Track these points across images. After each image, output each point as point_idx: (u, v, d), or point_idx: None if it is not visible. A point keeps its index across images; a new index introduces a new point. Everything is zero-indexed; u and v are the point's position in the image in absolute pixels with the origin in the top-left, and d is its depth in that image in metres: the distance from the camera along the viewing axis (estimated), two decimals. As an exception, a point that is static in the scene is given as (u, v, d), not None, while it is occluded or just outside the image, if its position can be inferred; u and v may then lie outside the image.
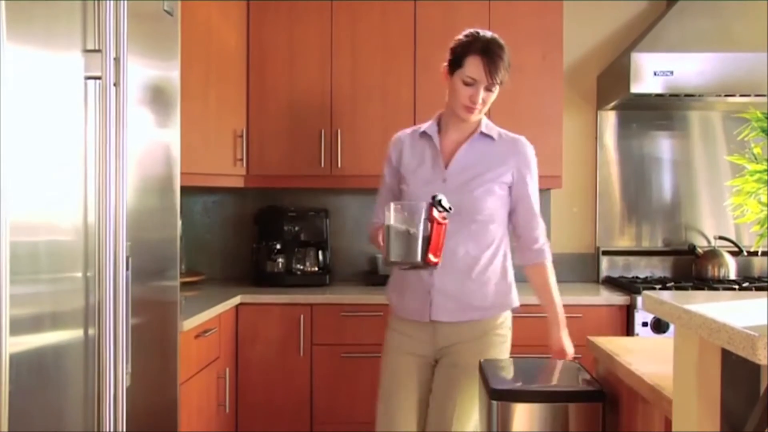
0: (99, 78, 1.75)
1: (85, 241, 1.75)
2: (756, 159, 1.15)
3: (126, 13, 1.80)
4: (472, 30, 2.41)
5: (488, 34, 2.40)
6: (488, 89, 2.36)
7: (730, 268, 3.80)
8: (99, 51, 1.75)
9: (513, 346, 2.55)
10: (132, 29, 1.87)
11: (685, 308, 1.15)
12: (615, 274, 3.97)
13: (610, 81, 3.83)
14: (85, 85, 1.76)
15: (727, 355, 1.14)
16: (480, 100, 2.35)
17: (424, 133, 2.51)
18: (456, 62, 2.36)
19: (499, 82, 2.36)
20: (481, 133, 2.46)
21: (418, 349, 2.47)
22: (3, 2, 1.43)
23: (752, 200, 1.14)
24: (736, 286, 3.52)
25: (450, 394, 2.39)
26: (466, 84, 2.34)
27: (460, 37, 2.40)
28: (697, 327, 1.08)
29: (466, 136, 2.46)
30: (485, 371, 2.18)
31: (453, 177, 2.42)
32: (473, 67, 2.33)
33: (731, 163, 3.92)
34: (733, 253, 3.84)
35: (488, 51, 2.33)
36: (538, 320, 2.61)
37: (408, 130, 2.59)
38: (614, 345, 2.09)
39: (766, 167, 1.12)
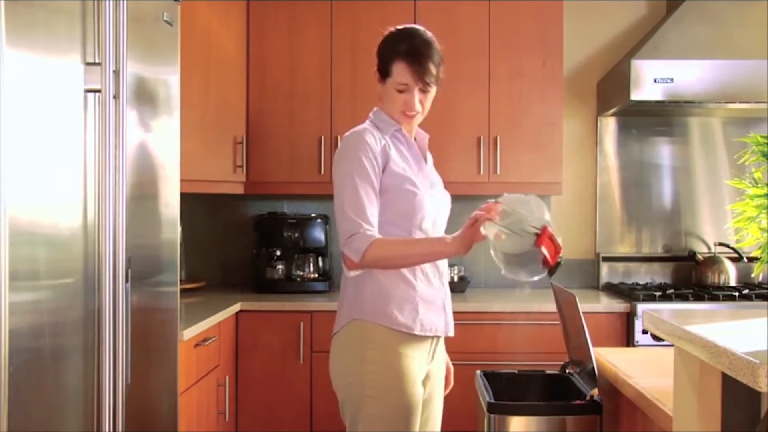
0: (98, 91, 1.75)
1: (84, 249, 1.75)
2: (756, 183, 1.15)
3: (126, 25, 1.80)
4: (397, 28, 2.22)
5: (413, 29, 2.20)
6: (423, 91, 2.16)
7: (730, 274, 3.80)
8: (99, 64, 1.75)
9: (517, 353, 2.50)
10: (132, 40, 1.87)
11: (685, 330, 1.14)
12: (615, 281, 3.97)
13: (610, 87, 3.82)
14: (85, 97, 1.76)
15: (728, 377, 1.13)
16: (416, 105, 2.16)
17: (398, 133, 2.22)
18: (384, 70, 2.17)
19: (432, 82, 2.16)
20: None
21: (422, 375, 2.16)
22: (3, 15, 1.44)
23: (753, 225, 1.14)
24: (736, 294, 3.51)
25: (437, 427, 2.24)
26: (400, 91, 2.15)
27: (384, 38, 2.21)
28: (698, 350, 1.08)
29: (412, 137, 2.27)
30: (481, 383, 2.17)
31: (432, 182, 2.27)
32: (401, 73, 2.13)
33: (731, 170, 3.93)
34: (733, 260, 3.83)
35: (413, 53, 2.12)
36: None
37: (365, 128, 2.19)
38: (615, 356, 2.09)
39: (766, 192, 1.12)
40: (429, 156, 2.32)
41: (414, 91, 2.15)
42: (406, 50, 2.13)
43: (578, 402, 2.05)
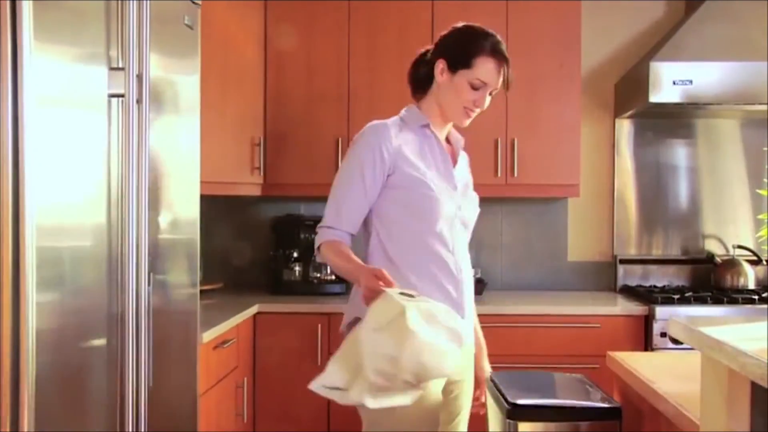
0: (122, 96, 1.76)
1: (107, 250, 1.76)
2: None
3: (149, 29, 1.81)
4: (475, 25, 2.17)
5: (493, 32, 2.15)
6: (490, 94, 2.13)
7: (749, 277, 3.76)
8: (122, 69, 1.76)
9: (534, 356, 2.48)
10: (154, 45, 1.88)
11: (716, 339, 1.14)
12: (632, 283, 3.95)
13: (628, 89, 3.80)
14: (109, 102, 1.77)
15: (756, 385, 1.13)
16: (485, 106, 2.13)
17: (426, 129, 2.18)
18: (463, 60, 2.09)
19: (506, 88, 2.13)
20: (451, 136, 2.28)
21: None
22: (30, 21, 1.45)
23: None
24: (756, 297, 3.49)
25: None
26: (474, 87, 2.09)
27: (463, 29, 2.17)
28: (728, 360, 1.07)
29: (446, 138, 2.26)
30: (499, 386, 2.16)
31: (459, 183, 2.22)
32: (486, 69, 2.08)
33: (750, 172, 3.90)
34: (752, 263, 3.81)
35: (500, 52, 2.09)
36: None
37: (390, 121, 2.17)
38: (634, 361, 2.07)
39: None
40: (463, 156, 2.32)
41: (487, 92, 2.12)
42: (492, 48, 2.09)
43: (599, 405, 2.03)
